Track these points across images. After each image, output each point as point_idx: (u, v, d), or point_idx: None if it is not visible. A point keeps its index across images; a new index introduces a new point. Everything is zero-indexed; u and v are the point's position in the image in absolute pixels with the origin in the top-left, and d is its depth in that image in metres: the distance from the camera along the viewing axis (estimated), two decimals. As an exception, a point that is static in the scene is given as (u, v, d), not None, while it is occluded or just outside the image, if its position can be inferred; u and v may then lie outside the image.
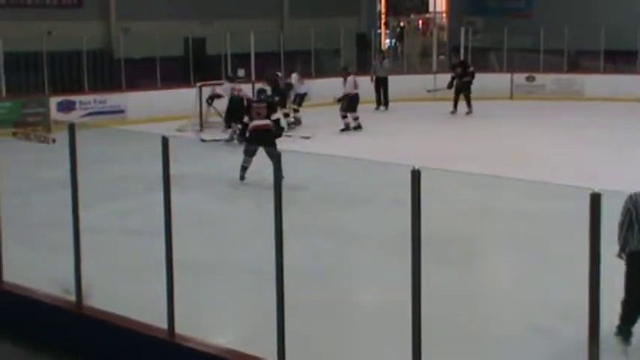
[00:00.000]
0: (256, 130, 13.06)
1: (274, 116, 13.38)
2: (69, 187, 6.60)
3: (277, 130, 13.31)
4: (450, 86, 22.18)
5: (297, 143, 16.10)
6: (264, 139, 12.48)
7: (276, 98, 16.53)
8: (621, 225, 6.44)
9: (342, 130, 18.78)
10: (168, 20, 23.62)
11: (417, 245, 4.66)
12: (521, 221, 10.24)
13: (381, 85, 22.79)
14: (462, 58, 24.15)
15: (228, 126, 17.55)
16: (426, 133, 18.62)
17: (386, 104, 22.76)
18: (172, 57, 22.57)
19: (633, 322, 6.53)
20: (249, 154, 12.84)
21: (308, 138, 17.43)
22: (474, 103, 21.72)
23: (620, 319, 6.51)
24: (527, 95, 24.68)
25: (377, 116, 21.77)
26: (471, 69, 22.17)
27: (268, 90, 16.41)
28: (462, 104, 21.75)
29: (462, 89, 21.79)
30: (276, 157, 12.04)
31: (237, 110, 16.35)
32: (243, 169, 12.89)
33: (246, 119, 13.49)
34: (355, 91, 19.22)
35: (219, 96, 18.67)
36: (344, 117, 18.97)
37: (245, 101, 16.90)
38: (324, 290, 7.94)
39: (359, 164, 12.96)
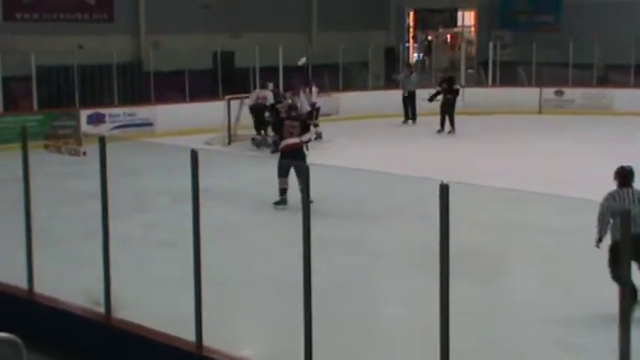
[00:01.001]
0: (289, 150, 12.64)
1: (305, 137, 12.88)
2: (98, 199, 6.68)
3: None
4: (431, 99, 21.52)
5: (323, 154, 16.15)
6: (295, 158, 12.14)
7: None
8: (601, 218, 7.42)
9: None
10: (198, 33, 23.78)
11: (446, 259, 4.66)
12: (548, 236, 10.20)
13: (409, 99, 22.76)
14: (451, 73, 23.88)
15: (258, 133, 18.38)
16: (453, 147, 18.58)
17: (414, 118, 22.74)
18: (201, 70, 22.73)
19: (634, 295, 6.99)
20: (283, 174, 12.26)
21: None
22: (502, 117, 21.62)
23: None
24: (555, 110, 24.54)
25: (405, 130, 21.77)
26: (457, 87, 21.71)
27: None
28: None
29: (446, 106, 21.10)
30: (303, 173, 12.09)
31: (258, 118, 16.92)
32: (283, 191, 12.23)
33: (272, 135, 13.18)
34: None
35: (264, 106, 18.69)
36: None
37: (266, 109, 17.45)
38: (350, 304, 7.96)
39: (386, 178, 12.97)
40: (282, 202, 12.26)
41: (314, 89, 20.42)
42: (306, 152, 12.73)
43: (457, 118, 21.60)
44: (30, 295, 7.31)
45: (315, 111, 19.80)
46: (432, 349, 4.78)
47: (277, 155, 13.05)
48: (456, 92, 21.46)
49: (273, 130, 13.81)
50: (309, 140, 13.32)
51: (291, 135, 12.66)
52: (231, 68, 24.10)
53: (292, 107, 14.42)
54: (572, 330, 7.17)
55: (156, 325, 6.42)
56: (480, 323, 7.25)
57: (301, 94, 19.03)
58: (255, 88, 21.32)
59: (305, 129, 12.95)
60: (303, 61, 22.13)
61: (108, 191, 6.65)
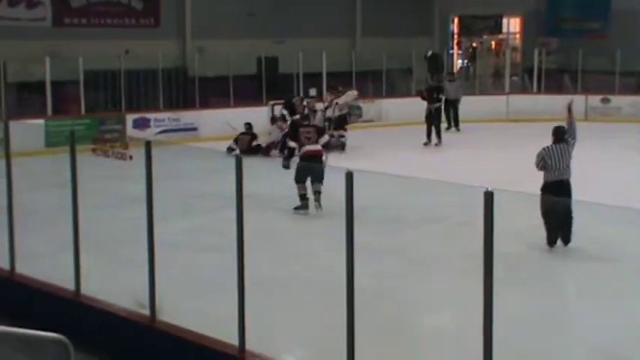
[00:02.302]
0: (308, 156, 12.59)
1: (323, 140, 12.99)
2: (143, 202, 6.75)
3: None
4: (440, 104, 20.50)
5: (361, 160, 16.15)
6: (314, 165, 12.15)
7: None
8: (537, 161, 10.35)
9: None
10: (242, 39, 23.97)
11: (490, 267, 4.64)
12: (594, 245, 10.09)
13: (451, 106, 22.57)
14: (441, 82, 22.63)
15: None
16: (496, 154, 18.43)
17: (456, 125, 22.60)
18: (245, 75, 22.86)
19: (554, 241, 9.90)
20: (301, 180, 12.34)
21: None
22: (546, 124, 21.27)
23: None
24: (601, 117, 24.26)
25: (447, 137, 21.67)
26: (441, 96, 20.54)
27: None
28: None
29: (434, 117, 19.96)
30: (318, 172, 12.18)
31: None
32: (302, 196, 12.31)
33: (292, 144, 13.00)
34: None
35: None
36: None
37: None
38: (392, 311, 7.95)
39: (429, 184, 12.92)
40: (302, 207, 12.32)
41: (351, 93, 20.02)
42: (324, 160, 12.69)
43: (500, 126, 21.48)
44: (77, 296, 7.42)
45: (341, 119, 19.16)
46: (476, 357, 4.76)
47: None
48: (439, 102, 20.27)
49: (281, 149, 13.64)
50: (328, 143, 13.46)
51: (309, 141, 12.70)
52: (275, 74, 24.22)
53: (304, 117, 14.35)
54: (619, 341, 7.09)
55: (199, 328, 6.48)
56: (523, 331, 7.19)
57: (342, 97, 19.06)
58: (298, 93, 21.40)
59: (321, 133, 13.12)
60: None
61: (153, 195, 6.74)
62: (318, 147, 12.77)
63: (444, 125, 22.26)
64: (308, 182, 12.35)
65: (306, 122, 13.67)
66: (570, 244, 10.09)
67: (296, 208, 12.35)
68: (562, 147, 10.21)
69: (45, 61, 19.15)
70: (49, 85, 19.39)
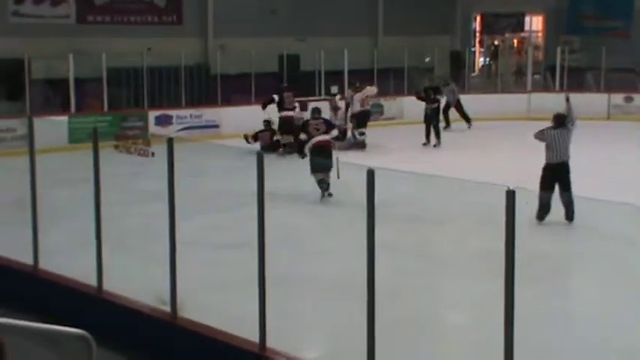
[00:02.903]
0: (319, 146, 13.33)
1: (333, 133, 13.75)
2: (165, 199, 6.78)
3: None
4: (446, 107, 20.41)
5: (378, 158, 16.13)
6: (325, 153, 12.95)
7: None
8: (539, 135, 11.68)
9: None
10: (264, 37, 24.01)
11: (511, 266, 4.62)
12: (616, 244, 10.03)
13: (447, 108, 21.88)
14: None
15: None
16: (517, 152, 18.32)
17: (467, 121, 22.23)
18: (267, 73, 22.88)
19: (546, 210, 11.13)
20: (318, 170, 12.96)
21: None
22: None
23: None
24: (624, 116, 24.07)
25: (468, 135, 21.59)
26: (438, 97, 19.90)
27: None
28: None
29: (432, 117, 19.40)
30: (326, 167, 12.92)
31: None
32: (321, 182, 12.92)
33: (302, 136, 13.68)
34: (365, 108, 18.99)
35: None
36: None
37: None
38: (412, 308, 7.94)
39: (449, 183, 12.89)
40: (323, 190, 12.95)
41: (370, 88, 19.93)
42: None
43: (523, 124, 21.24)
44: (99, 292, 7.47)
45: (361, 115, 19.15)
46: (494, 357, 4.75)
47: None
48: (438, 102, 19.75)
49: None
50: (337, 137, 14.42)
51: (318, 132, 13.43)
52: (297, 71, 24.24)
53: (315, 110, 14.54)
54: (635, 340, 7.04)
55: (220, 325, 6.50)
56: (541, 328, 7.16)
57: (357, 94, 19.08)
58: (320, 91, 21.41)
59: (330, 126, 13.89)
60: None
61: (175, 192, 6.76)
62: (327, 137, 13.49)
63: (463, 124, 22.18)
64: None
65: (317, 114, 14.12)
66: (590, 246, 10.06)
67: (322, 197, 12.92)
68: (562, 132, 11.48)
69: (69, 59, 19.26)
70: (73, 82, 19.51)
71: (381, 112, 22.85)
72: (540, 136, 11.63)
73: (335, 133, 13.95)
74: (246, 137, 18.13)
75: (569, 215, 11.09)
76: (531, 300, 7.44)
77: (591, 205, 10.34)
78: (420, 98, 19.68)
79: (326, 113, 17.73)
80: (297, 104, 18.49)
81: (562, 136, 11.45)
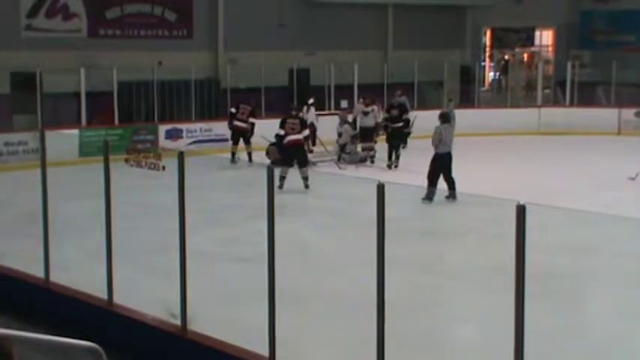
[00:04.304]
0: (290, 145, 15.07)
1: (304, 132, 15.43)
2: (175, 213, 6.81)
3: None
4: (384, 129, 18.69)
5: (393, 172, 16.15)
6: (297, 152, 14.96)
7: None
8: (435, 137, 14.08)
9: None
10: (274, 51, 24.09)
11: (521, 281, 4.63)
12: (628, 261, 10.01)
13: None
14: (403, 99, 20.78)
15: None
16: (526, 167, 18.33)
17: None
18: (277, 87, 22.98)
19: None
20: (285, 164, 14.54)
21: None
22: (579, 138, 21.12)
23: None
24: (635, 131, 23.97)
25: (478, 150, 21.57)
26: (407, 116, 18.70)
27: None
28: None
29: (395, 137, 18.31)
30: (300, 159, 14.66)
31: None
32: (281, 178, 14.10)
33: (281, 132, 15.24)
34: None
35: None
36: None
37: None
38: (422, 323, 7.94)
39: (458, 197, 12.91)
40: (279, 186, 13.60)
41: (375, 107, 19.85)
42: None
43: (533, 139, 21.26)
44: (110, 305, 7.50)
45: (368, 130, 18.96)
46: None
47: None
48: (407, 123, 18.61)
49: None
50: (308, 137, 16.07)
51: (293, 131, 15.12)
52: (307, 85, 24.31)
53: (294, 108, 16.45)
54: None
55: (230, 338, 6.52)
56: (551, 346, 7.15)
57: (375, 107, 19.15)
58: (330, 105, 21.46)
59: (304, 126, 15.57)
60: (311, 101, 21.11)
61: (185, 205, 6.79)
62: (300, 137, 15.17)
63: (482, 138, 21.99)
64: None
65: (294, 112, 15.95)
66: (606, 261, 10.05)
67: (279, 188, 13.50)
68: (447, 127, 14.36)
69: (80, 72, 19.40)
70: (84, 96, 19.64)
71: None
72: (436, 136, 14.04)
73: (306, 132, 15.67)
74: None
75: (453, 194, 13.32)
76: (545, 315, 7.43)
77: (601, 220, 10.33)
78: (386, 120, 18.63)
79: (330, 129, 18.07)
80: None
81: (447, 130, 14.22)
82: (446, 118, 14.41)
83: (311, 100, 20.45)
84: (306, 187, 14.63)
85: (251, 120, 18.62)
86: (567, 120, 23.86)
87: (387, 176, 14.82)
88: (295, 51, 24.54)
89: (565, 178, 16.63)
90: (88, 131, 18.96)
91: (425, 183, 13.52)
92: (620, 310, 8.50)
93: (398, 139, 18.45)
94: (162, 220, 11.17)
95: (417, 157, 19.01)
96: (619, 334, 7.77)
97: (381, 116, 19.32)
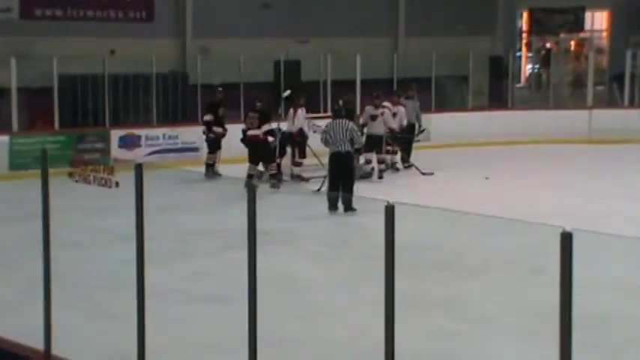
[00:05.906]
0: (248, 140, 17.58)
1: (264, 127, 17.56)
2: (132, 240, 6.81)
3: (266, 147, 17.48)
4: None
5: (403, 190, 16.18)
6: (255, 148, 17.41)
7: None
8: (323, 137, 15.55)
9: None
10: (256, 38, 24.15)
11: (568, 326, 4.64)
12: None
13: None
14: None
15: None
16: (572, 184, 18.37)
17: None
18: (259, 83, 22.99)
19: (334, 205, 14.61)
20: (251, 162, 17.30)
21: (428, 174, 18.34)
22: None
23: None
24: None
25: (502, 164, 21.64)
26: (412, 121, 20.14)
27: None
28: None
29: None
30: (265, 155, 17.32)
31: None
32: (249, 176, 16.61)
33: (244, 127, 17.82)
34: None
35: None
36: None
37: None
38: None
39: (486, 222, 12.92)
40: (245, 184, 13.86)
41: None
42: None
43: (581, 148, 21.29)
44: (47, 358, 7.48)
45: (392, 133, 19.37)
46: None
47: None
48: (411, 129, 20.00)
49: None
50: (269, 131, 17.71)
51: (252, 126, 17.55)
52: (297, 81, 24.34)
53: (260, 100, 18.15)
54: None
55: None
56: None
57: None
58: (325, 104, 21.50)
59: (264, 121, 17.63)
60: (287, 93, 21.19)
61: (144, 231, 6.80)
62: (258, 132, 17.43)
63: (510, 146, 22.15)
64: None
65: (259, 104, 17.96)
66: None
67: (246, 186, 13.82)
68: (339, 121, 15.46)
69: (11, 63, 19.39)
70: (15, 93, 19.62)
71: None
72: (323, 135, 15.55)
73: (266, 127, 17.60)
74: None
75: (348, 207, 14.39)
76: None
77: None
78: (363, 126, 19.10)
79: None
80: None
81: (340, 125, 15.25)
82: (336, 114, 15.96)
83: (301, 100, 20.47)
84: (273, 186, 16.97)
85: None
86: (625, 125, 23.91)
87: (395, 195, 14.82)
88: (283, 38, 24.64)
89: (622, 197, 16.65)
90: (20, 138, 18.99)
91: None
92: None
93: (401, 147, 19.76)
94: (114, 249, 11.20)
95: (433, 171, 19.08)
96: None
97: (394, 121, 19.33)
